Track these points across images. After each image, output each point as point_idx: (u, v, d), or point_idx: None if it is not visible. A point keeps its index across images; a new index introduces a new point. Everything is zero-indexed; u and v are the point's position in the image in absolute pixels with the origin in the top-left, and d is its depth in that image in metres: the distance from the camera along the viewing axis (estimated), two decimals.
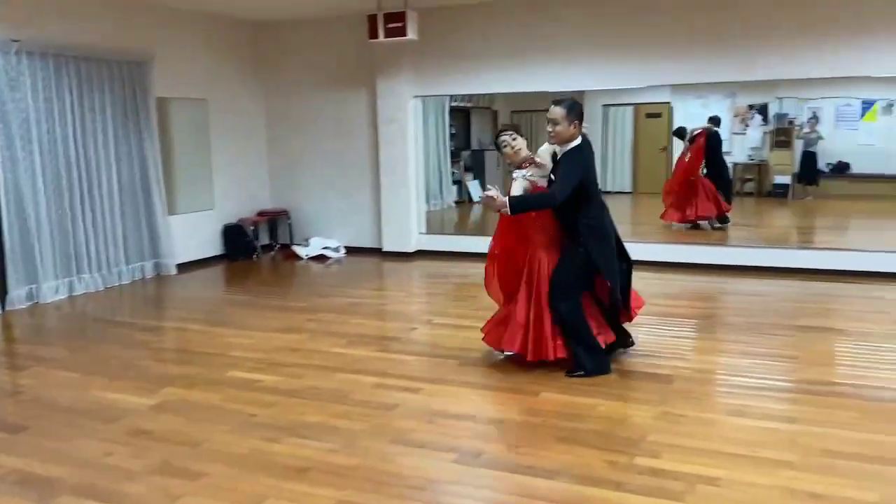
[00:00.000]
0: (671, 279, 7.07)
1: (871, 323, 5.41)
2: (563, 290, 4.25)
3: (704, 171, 10.12)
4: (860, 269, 6.88)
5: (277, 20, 8.80)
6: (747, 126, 13.32)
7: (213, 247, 8.57)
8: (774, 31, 6.86)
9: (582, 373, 4.25)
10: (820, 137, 12.56)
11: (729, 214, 9.87)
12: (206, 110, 8.37)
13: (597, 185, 4.34)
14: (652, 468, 3.12)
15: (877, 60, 6.65)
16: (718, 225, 9.73)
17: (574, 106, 4.23)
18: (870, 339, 5.00)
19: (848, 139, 12.68)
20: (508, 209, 4.06)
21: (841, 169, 12.71)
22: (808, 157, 12.58)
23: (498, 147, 4.57)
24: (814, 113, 12.77)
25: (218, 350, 5.06)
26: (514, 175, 4.46)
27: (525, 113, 15.58)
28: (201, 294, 7.19)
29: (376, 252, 8.73)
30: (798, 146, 12.78)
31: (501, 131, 4.55)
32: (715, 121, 10.57)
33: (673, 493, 2.90)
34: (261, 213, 9.14)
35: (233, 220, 8.76)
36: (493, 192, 4.11)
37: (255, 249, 8.85)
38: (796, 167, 12.72)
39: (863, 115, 12.73)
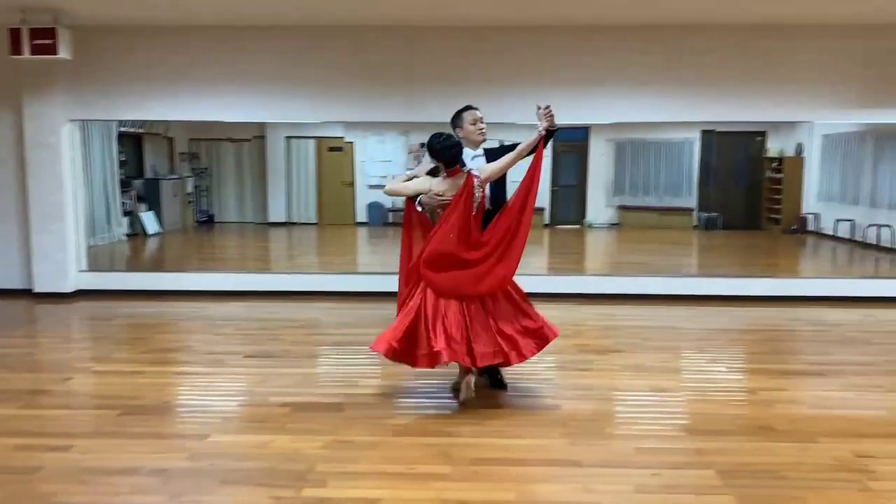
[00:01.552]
0: (349, 308, 7.31)
1: None
2: None
3: None
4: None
5: None
6: (419, 163, 14.42)
7: None
8: (433, 77, 7.54)
9: None
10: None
11: None
12: None
13: None
14: (318, 498, 3.17)
15: (523, 108, 7.63)
16: None
17: None
18: None
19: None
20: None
21: None
22: None
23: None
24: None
25: None
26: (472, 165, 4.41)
27: (204, 141, 15.12)
28: None
29: (25, 294, 7.70)
30: None
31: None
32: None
33: None
34: None
35: None
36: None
37: None
38: None
39: None
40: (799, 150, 13.71)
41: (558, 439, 3.84)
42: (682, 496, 3.21)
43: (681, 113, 7.71)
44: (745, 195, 14.73)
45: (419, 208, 4.44)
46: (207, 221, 15.11)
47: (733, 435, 3.93)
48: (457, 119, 4.61)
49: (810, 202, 13.41)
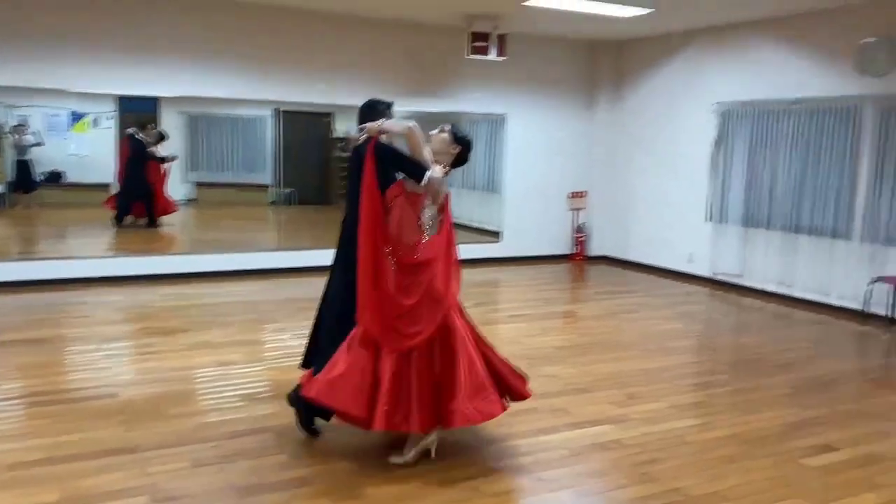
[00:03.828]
0: None
1: (75, 328, 5.66)
2: None
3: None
4: (77, 276, 7.15)
5: None
6: None
7: None
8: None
9: None
10: (39, 143, 12.37)
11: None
12: None
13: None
14: None
15: (74, 76, 6.98)
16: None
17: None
18: (72, 343, 5.25)
19: (59, 149, 12.90)
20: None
21: (55, 178, 12.83)
22: (23, 166, 12.23)
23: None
24: (22, 120, 12.50)
25: None
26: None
27: None
28: None
29: None
30: (11, 154, 12.32)
31: None
32: (142, 125, 10.70)
33: None
34: None
35: None
36: None
37: None
38: (11, 175, 12.25)
39: (72, 126, 13.13)
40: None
41: (114, 428, 3.68)
42: (239, 462, 3.36)
43: (246, 91, 7.89)
44: (317, 172, 15.62)
45: (424, 184, 3.35)
46: None
47: None
48: (384, 111, 3.76)
49: None
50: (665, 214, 8.84)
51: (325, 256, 8.24)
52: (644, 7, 7.05)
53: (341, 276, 3.59)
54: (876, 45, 6.47)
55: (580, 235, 9.65)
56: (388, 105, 3.81)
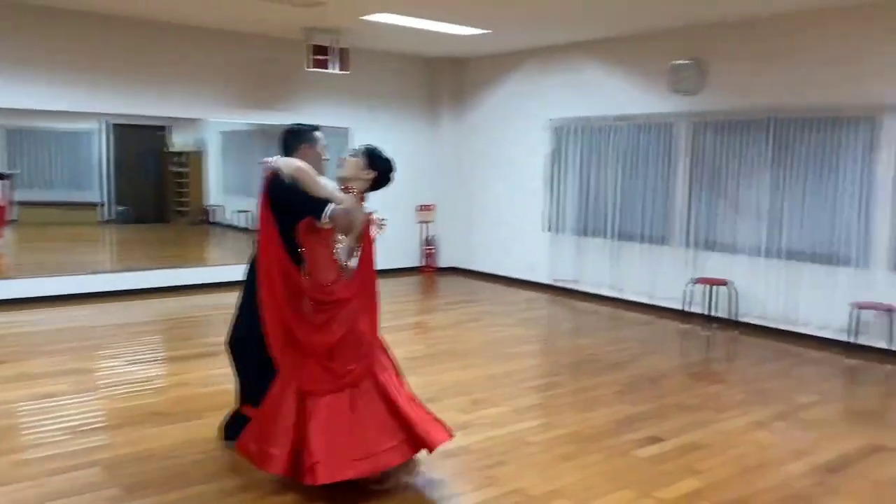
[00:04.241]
0: None
1: None
2: None
3: None
4: None
5: None
6: None
7: None
8: None
9: None
10: None
11: None
12: None
13: None
14: None
15: None
16: None
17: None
18: None
19: None
20: None
21: None
22: None
23: None
24: None
25: None
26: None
27: None
28: None
29: None
30: None
31: None
32: None
33: None
34: None
35: None
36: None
37: None
38: None
39: None
40: (200, 144, 14.44)
41: None
42: (63, 500, 3.12)
43: (69, 102, 7.42)
44: (153, 188, 14.83)
45: (325, 222, 3.13)
46: None
47: (136, 426, 3.97)
48: (306, 136, 3.53)
49: (214, 195, 14.26)
50: (507, 225, 9.19)
51: (164, 277, 8.01)
52: (480, 28, 7.32)
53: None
54: (686, 67, 7.12)
55: (429, 248, 9.81)
56: (312, 129, 3.62)
